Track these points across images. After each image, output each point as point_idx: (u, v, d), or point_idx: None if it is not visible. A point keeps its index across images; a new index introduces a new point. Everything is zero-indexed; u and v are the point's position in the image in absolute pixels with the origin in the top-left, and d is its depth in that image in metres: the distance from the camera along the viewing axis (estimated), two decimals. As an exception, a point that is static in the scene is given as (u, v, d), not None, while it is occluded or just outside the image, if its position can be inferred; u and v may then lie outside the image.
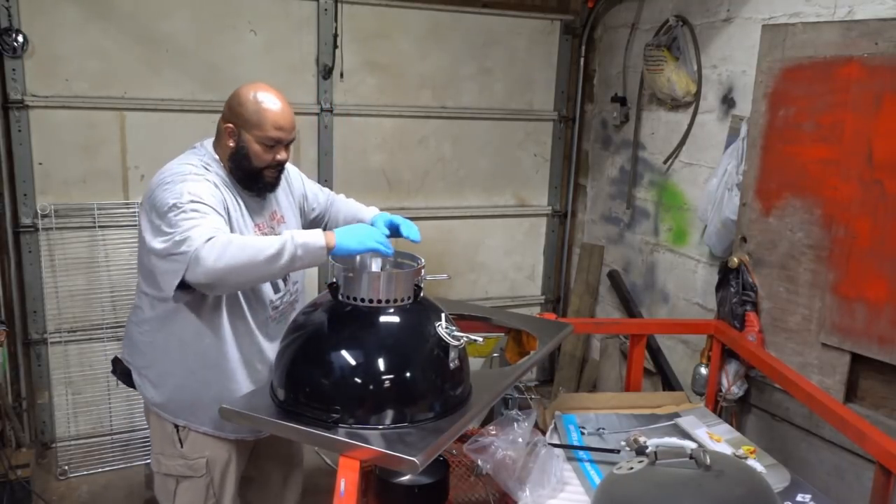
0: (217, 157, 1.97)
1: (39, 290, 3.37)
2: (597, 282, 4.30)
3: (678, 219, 3.58)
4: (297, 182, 2.25)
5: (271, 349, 2.00)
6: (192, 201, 1.77)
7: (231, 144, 1.93)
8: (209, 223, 1.74)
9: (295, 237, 1.74)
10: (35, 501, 3.07)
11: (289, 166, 2.18)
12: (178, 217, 1.74)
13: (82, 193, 3.38)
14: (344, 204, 2.38)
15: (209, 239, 1.69)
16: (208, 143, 2.01)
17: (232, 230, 1.88)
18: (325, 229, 1.94)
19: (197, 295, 1.87)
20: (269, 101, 1.91)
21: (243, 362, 1.99)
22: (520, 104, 4.19)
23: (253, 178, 1.97)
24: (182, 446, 2.02)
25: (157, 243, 1.75)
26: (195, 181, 1.84)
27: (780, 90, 2.61)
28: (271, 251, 1.70)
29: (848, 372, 2.43)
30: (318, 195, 2.34)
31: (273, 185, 2.03)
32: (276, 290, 2.04)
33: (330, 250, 1.77)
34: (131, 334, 2.05)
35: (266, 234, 1.99)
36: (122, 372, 2.11)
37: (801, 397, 2.23)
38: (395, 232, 2.09)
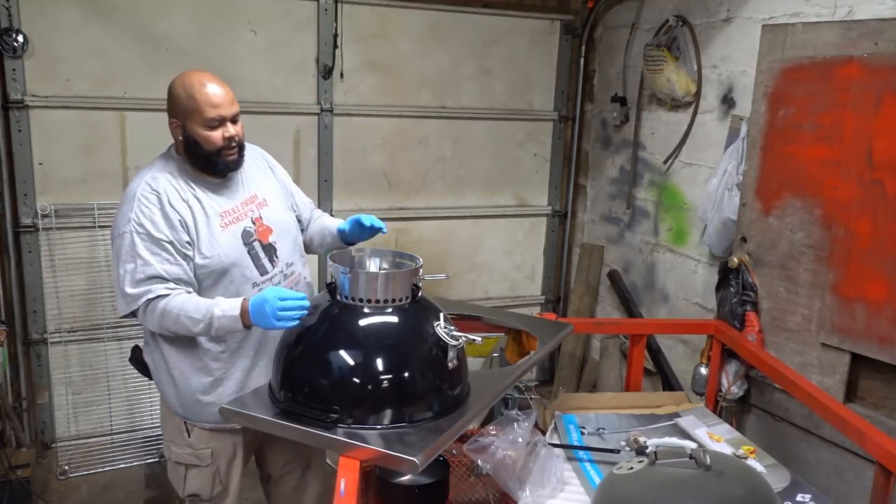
0: (176, 155, 2.04)
1: (39, 290, 3.37)
2: (597, 282, 4.30)
3: (678, 219, 3.58)
4: (283, 175, 2.29)
5: (260, 332, 2.03)
6: (137, 233, 1.89)
7: (180, 138, 1.98)
8: (148, 269, 1.88)
9: (216, 314, 1.86)
10: (35, 501, 3.07)
11: (279, 166, 2.28)
12: (124, 252, 1.90)
13: (82, 193, 3.38)
14: (317, 223, 2.35)
15: (148, 301, 1.88)
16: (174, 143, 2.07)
17: (190, 237, 1.95)
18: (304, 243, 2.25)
19: None
20: (197, 86, 1.94)
21: (211, 356, 2.03)
22: (520, 104, 4.19)
23: (211, 162, 1.99)
24: (189, 436, 2.10)
25: (116, 272, 1.93)
26: (141, 203, 1.92)
27: (780, 90, 2.60)
28: (199, 327, 1.87)
29: (848, 372, 2.43)
30: (305, 203, 2.35)
31: (235, 163, 2.04)
32: (263, 272, 2.06)
33: (246, 325, 1.87)
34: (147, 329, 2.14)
35: (239, 221, 2.04)
36: (137, 360, 2.19)
37: (801, 397, 2.22)
38: (360, 227, 2.14)
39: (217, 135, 1.95)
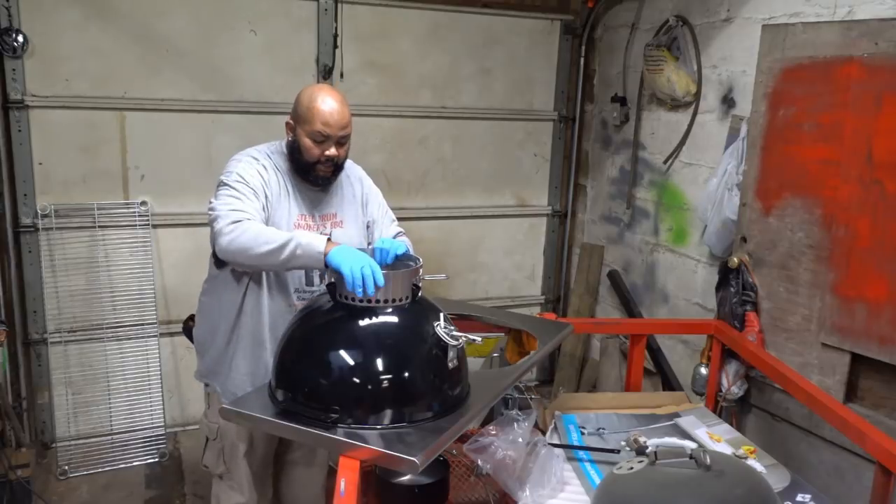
0: (284, 149, 2.15)
1: (39, 290, 3.37)
2: (597, 282, 4.30)
3: (678, 219, 3.58)
4: (369, 201, 2.31)
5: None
6: (237, 181, 2.01)
7: (289, 138, 2.11)
8: (242, 205, 1.96)
9: (299, 237, 1.86)
10: (35, 501, 3.07)
11: (372, 189, 2.32)
12: (222, 192, 2.00)
13: (82, 193, 3.38)
14: None
15: (234, 221, 1.90)
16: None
17: (270, 211, 2.06)
18: None
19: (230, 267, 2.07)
20: (320, 100, 2.03)
21: (249, 340, 2.13)
22: (520, 104, 4.19)
23: (306, 170, 2.09)
24: (209, 407, 2.27)
25: (209, 210, 2.01)
26: (247, 164, 2.06)
27: (780, 90, 2.61)
28: (275, 245, 1.85)
29: (848, 372, 2.43)
30: (383, 229, 2.33)
31: (327, 179, 2.13)
32: (310, 283, 2.13)
33: (326, 256, 1.84)
34: (200, 295, 2.28)
35: (310, 230, 2.11)
36: (187, 329, 2.37)
37: (801, 397, 2.22)
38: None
39: (318, 150, 2.05)
